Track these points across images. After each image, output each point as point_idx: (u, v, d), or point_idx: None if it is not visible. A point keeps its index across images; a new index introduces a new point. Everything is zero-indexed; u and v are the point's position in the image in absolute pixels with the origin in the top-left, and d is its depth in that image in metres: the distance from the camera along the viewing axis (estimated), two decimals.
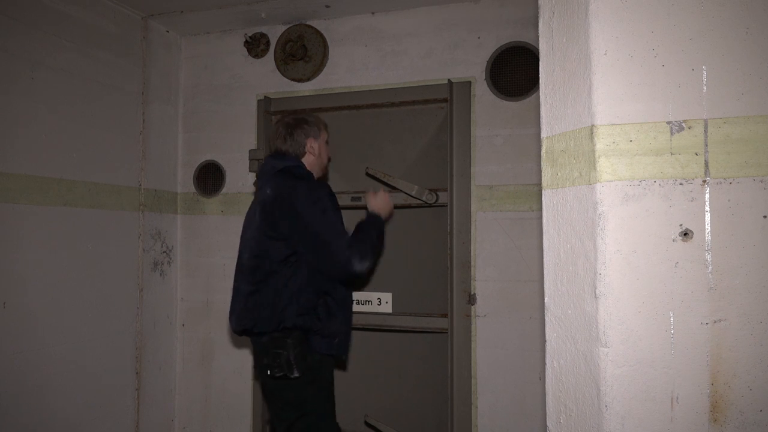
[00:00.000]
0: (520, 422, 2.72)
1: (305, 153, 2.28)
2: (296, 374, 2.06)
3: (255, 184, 2.42)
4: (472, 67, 2.85)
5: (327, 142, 2.37)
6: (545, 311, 1.26)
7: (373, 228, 2.23)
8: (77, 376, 2.68)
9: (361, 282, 2.96)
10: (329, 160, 2.42)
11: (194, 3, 2.94)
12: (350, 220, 3.07)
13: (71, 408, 2.65)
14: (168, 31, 3.26)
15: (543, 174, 1.28)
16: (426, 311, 2.85)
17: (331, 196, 2.17)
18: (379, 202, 2.33)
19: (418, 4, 2.90)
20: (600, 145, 1.08)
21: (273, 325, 2.10)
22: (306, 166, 2.27)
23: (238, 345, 3.18)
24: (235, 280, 2.23)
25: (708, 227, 1.04)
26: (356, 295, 2.90)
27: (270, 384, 2.18)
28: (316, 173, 2.32)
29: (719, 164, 1.04)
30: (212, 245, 3.25)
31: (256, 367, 2.29)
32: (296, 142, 2.26)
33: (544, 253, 1.27)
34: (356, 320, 2.84)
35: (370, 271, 3.02)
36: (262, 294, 2.12)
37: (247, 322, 2.14)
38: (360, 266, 2.08)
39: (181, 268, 3.32)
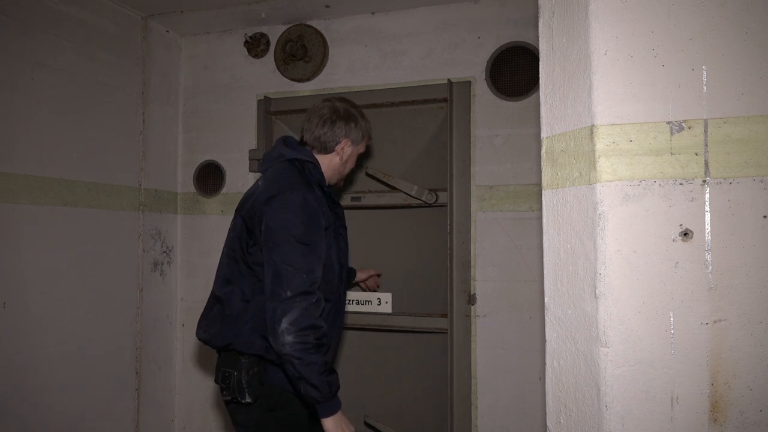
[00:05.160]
0: (520, 422, 2.72)
1: (332, 151, 1.95)
2: (248, 399, 1.78)
3: (258, 169, 2.11)
4: (472, 67, 2.85)
5: (359, 154, 2.06)
6: (545, 311, 1.26)
7: (316, 387, 1.68)
8: (77, 376, 2.68)
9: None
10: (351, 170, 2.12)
11: (194, 3, 2.94)
12: (350, 220, 3.08)
13: (71, 408, 2.65)
14: (168, 31, 3.26)
15: (543, 174, 1.28)
16: (426, 311, 2.85)
17: (333, 214, 1.88)
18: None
19: (418, 4, 2.90)
20: (600, 145, 1.08)
21: (226, 341, 1.83)
22: (322, 166, 1.94)
23: None
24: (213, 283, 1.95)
25: (708, 227, 1.04)
26: (356, 295, 2.90)
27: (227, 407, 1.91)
28: (332, 179, 2.01)
29: (719, 164, 1.04)
30: (212, 245, 3.24)
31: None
32: (332, 134, 1.92)
33: (544, 253, 1.27)
34: (356, 320, 2.85)
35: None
36: (226, 304, 1.85)
37: (202, 334, 1.90)
38: (284, 331, 1.64)
39: (181, 268, 3.32)
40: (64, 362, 2.62)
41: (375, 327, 2.86)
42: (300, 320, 1.66)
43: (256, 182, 1.94)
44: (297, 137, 2.06)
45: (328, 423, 1.74)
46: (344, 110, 1.96)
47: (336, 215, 1.94)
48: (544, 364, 1.27)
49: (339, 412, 1.76)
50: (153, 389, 3.13)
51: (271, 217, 1.74)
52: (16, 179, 2.41)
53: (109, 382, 2.85)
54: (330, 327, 1.87)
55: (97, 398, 2.78)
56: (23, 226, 2.44)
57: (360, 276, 2.57)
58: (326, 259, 1.84)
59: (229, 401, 1.83)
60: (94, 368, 2.77)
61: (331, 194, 1.96)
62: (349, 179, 3.03)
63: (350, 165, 2.04)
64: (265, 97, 3.11)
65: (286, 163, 1.89)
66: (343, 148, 1.95)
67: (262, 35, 3.18)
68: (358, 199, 2.85)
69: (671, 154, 1.06)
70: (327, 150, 1.95)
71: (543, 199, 1.28)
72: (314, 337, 1.67)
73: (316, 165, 1.92)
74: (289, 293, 1.68)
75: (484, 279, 2.78)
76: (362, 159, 2.85)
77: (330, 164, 1.97)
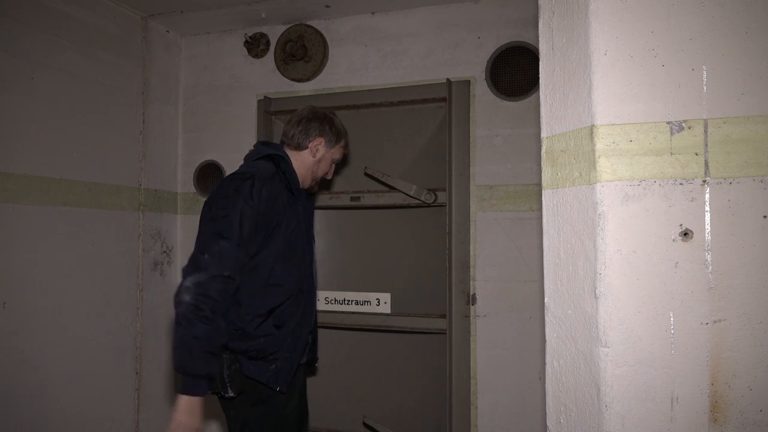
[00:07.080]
0: (520, 422, 2.72)
1: (306, 148, 1.98)
2: (231, 394, 1.79)
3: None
4: (472, 66, 2.85)
5: (334, 161, 2.07)
6: (545, 311, 1.26)
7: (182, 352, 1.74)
8: (77, 376, 2.68)
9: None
10: (324, 179, 2.11)
11: (194, 3, 2.94)
12: (348, 219, 3.09)
13: (71, 408, 2.65)
14: (168, 31, 3.26)
15: (543, 174, 1.28)
16: (425, 312, 2.85)
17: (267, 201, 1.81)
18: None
19: (418, 4, 2.90)
20: (600, 145, 1.08)
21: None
22: (295, 163, 1.97)
23: None
24: None
25: (708, 227, 1.04)
26: (354, 296, 2.90)
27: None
28: (305, 180, 2.01)
29: (719, 164, 1.04)
30: None
31: None
32: (305, 132, 1.97)
33: (544, 253, 1.27)
34: (354, 321, 2.84)
35: (367, 270, 3.04)
36: None
37: None
38: (184, 290, 1.77)
39: (180, 269, 3.31)
40: (64, 362, 2.62)
41: (374, 327, 2.86)
42: (204, 285, 1.74)
43: None
44: None
45: (181, 400, 1.71)
46: (322, 113, 2.02)
47: (295, 206, 1.93)
48: (544, 364, 1.27)
49: (197, 399, 1.71)
50: (153, 389, 3.12)
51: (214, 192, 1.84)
52: (16, 179, 2.41)
53: (109, 382, 2.85)
54: (293, 314, 1.90)
55: (97, 398, 2.78)
56: (23, 226, 2.44)
57: None
58: (277, 243, 1.86)
59: (219, 397, 1.86)
60: (94, 368, 2.76)
61: (294, 184, 1.94)
62: (348, 179, 3.04)
63: (323, 168, 2.05)
64: (265, 97, 3.11)
65: (259, 160, 1.94)
66: (316, 147, 1.98)
67: (262, 35, 3.18)
68: (357, 199, 2.85)
69: (671, 154, 1.06)
70: (300, 147, 1.99)
71: (543, 199, 1.28)
72: (210, 308, 1.72)
73: (285, 158, 1.95)
74: (206, 256, 1.75)
75: (484, 279, 2.78)
76: (340, 167, 2.81)
77: (303, 162, 1.99)
